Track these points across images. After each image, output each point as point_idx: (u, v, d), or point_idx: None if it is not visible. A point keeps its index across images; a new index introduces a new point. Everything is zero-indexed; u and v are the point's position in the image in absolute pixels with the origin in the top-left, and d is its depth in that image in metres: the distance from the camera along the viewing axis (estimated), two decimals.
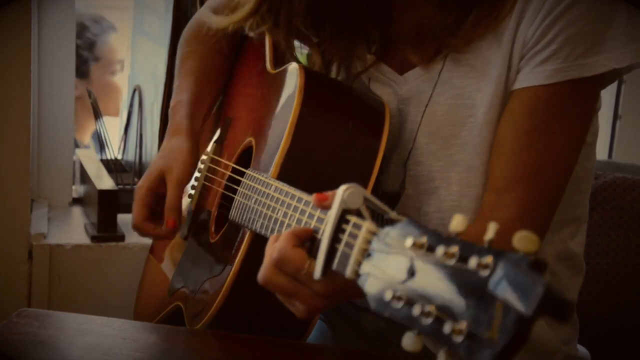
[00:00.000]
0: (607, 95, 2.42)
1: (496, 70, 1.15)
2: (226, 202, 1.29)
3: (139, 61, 2.26)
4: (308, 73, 1.18)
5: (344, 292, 0.94)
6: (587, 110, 1.17)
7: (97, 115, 2.20)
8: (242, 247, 1.13)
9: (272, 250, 0.94)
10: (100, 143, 2.20)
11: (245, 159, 1.28)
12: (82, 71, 2.91)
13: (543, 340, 1.26)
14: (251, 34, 1.28)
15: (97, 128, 2.20)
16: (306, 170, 1.03)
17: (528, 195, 1.14)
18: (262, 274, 0.96)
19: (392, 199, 1.24)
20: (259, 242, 1.07)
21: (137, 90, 2.16)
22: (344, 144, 1.17)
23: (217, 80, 1.45)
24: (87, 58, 2.97)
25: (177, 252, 1.41)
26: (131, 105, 2.19)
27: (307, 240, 0.95)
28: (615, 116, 2.46)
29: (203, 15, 1.44)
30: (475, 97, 1.17)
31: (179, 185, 1.29)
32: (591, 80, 1.11)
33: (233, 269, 1.13)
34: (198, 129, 1.37)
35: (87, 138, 2.97)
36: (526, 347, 1.35)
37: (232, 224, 1.21)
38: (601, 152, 2.41)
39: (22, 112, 1.87)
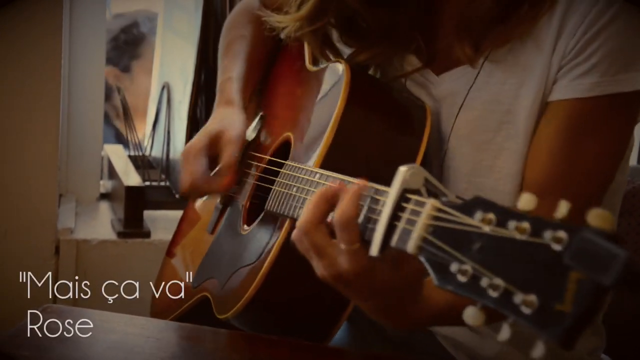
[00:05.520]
0: None
1: (536, 79, 1.14)
2: (260, 193, 1.29)
3: (168, 58, 2.27)
4: (353, 70, 1.20)
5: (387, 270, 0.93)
6: (625, 125, 1.16)
7: (126, 112, 2.21)
8: (281, 234, 1.14)
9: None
10: (126, 139, 2.21)
11: (280, 154, 1.28)
12: (125, 66, 2.91)
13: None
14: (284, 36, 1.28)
15: (125, 126, 2.21)
16: (348, 163, 1.04)
17: None
18: (305, 225, 0.95)
19: None
20: None
21: (165, 87, 2.17)
22: (386, 139, 1.18)
23: (260, 66, 1.48)
24: (129, 54, 2.98)
25: (202, 246, 1.41)
26: (159, 102, 2.20)
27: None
28: None
29: (252, 4, 1.46)
30: (511, 104, 1.16)
31: (238, 143, 1.30)
32: (629, 95, 1.11)
33: (271, 255, 1.13)
34: (246, 105, 1.39)
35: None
36: (548, 358, 1.33)
37: (268, 214, 1.22)
38: (630, 158, 2.38)
39: (51, 107, 1.88)
